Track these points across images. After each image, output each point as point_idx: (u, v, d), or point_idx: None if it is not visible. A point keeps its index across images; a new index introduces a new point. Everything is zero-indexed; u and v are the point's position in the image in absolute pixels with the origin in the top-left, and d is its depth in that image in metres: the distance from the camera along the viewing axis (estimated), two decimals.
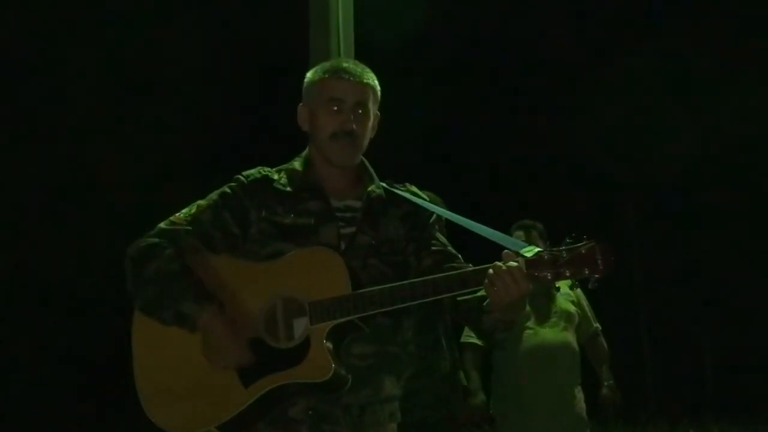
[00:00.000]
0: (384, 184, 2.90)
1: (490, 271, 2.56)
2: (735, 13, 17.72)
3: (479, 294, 2.69)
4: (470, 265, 2.74)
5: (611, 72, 17.46)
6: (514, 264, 2.55)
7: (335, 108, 2.79)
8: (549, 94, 18.26)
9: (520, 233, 5.50)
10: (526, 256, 2.57)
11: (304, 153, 2.92)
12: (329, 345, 2.63)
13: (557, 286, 2.66)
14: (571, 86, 17.96)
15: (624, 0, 18.19)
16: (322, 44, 5.12)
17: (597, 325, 5.74)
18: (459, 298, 2.73)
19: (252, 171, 2.87)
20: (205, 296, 2.68)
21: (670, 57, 18.00)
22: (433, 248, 2.85)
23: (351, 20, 5.20)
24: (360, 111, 2.80)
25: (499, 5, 17.83)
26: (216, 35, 17.06)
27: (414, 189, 2.94)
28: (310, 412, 2.70)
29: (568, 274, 2.57)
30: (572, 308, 5.60)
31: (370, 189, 2.86)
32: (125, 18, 16.61)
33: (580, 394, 5.57)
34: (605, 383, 5.67)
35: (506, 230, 5.42)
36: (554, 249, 2.59)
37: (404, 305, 2.65)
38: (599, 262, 2.55)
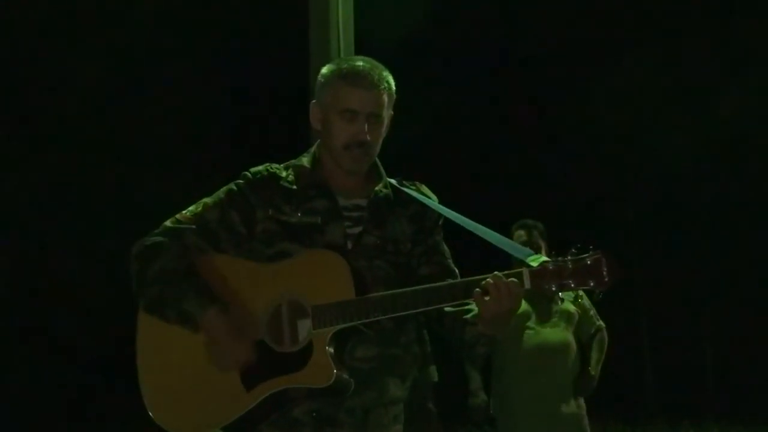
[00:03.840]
0: (393, 182, 2.88)
1: (489, 280, 2.54)
2: (735, 14, 17.73)
3: (466, 307, 2.69)
4: None
5: (612, 72, 17.46)
6: (515, 280, 2.53)
7: (349, 118, 2.76)
8: (549, 94, 18.26)
9: (522, 232, 5.50)
10: (531, 266, 2.55)
11: (313, 149, 2.89)
12: (332, 350, 2.62)
13: (561, 297, 2.66)
14: (571, 87, 17.96)
15: (626, 2, 18.19)
16: (322, 44, 5.12)
17: (600, 323, 5.73)
18: (446, 309, 2.72)
19: (259, 168, 2.84)
20: (209, 296, 2.66)
21: (671, 58, 18.01)
22: (434, 258, 2.83)
23: (351, 20, 5.20)
24: (374, 121, 2.77)
25: (500, 5, 17.83)
26: (216, 35, 17.06)
27: (425, 190, 2.90)
28: (313, 414, 2.68)
29: (572, 285, 2.54)
30: (572, 308, 5.60)
31: (377, 188, 2.83)
32: (125, 17, 16.61)
33: None
34: (590, 368, 5.60)
35: (506, 230, 5.42)
36: (559, 259, 2.56)
37: (407, 312, 2.63)
38: (605, 274, 2.52)
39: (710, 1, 17.90)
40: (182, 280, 2.67)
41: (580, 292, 5.60)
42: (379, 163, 2.89)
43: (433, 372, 5.75)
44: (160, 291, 2.68)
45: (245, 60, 17.23)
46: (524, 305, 5.48)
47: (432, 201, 2.87)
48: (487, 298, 2.53)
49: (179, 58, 16.57)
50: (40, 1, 16.17)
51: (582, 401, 5.58)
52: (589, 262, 2.53)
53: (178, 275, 2.68)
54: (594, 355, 5.69)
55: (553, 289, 2.54)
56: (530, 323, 5.49)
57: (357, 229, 2.77)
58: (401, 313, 2.63)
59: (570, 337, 5.54)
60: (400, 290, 2.64)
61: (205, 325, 2.65)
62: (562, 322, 5.53)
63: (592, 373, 5.60)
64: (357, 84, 2.76)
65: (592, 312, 5.72)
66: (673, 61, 17.96)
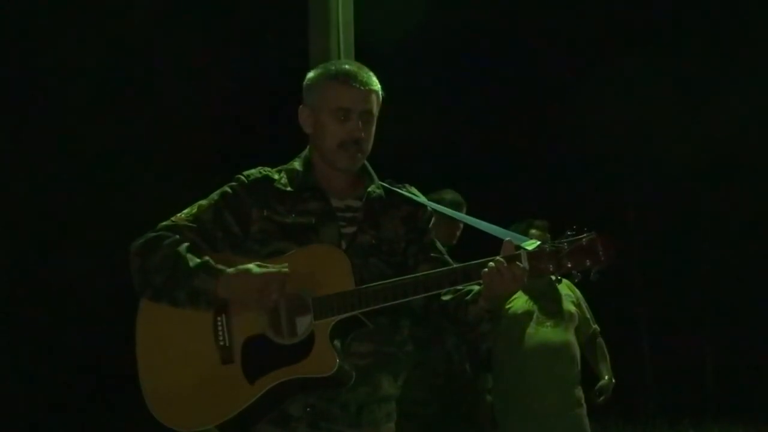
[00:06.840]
0: (384, 184, 2.91)
1: (492, 264, 2.59)
2: (734, 14, 17.75)
3: (465, 290, 2.73)
4: None
5: (612, 71, 17.46)
6: (517, 263, 2.59)
7: (342, 117, 2.79)
8: (550, 93, 18.26)
9: (537, 232, 5.50)
10: (527, 249, 2.60)
11: (304, 153, 2.92)
12: (337, 342, 2.65)
13: (559, 278, 2.69)
14: (572, 85, 17.97)
15: (626, 2, 18.20)
16: (322, 44, 5.13)
17: (596, 326, 5.76)
18: (444, 297, 2.76)
19: (252, 171, 2.88)
20: (218, 267, 2.68)
21: (671, 57, 18.02)
22: (431, 255, 2.87)
23: (351, 20, 5.20)
24: (366, 119, 2.81)
25: (500, 5, 17.83)
26: (216, 35, 17.06)
27: (414, 190, 2.94)
28: (308, 409, 2.71)
29: (569, 266, 2.59)
30: (573, 309, 5.61)
31: (370, 189, 2.87)
32: (126, 17, 16.62)
33: (580, 394, 5.57)
34: (606, 376, 5.66)
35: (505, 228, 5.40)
36: (556, 242, 2.62)
37: (407, 299, 2.66)
38: (601, 253, 2.58)
39: (711, 1, 17.91)
40: (186, 260, 2.69)
41: (579, 293, 5.67)
42: (368, 165, 2.93)
43: (469, 371, 5.71)
44: (166, 276, 2.69)
45: (244, 60, 17.23)
46: (526, 305, 5.50)
47: (422, 200, 2.91)
48: (492, 277, 2.58)
49: (177, 60, 16.58)
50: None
51: (582, 401, 5.58)
52: (584, 243, 2.59)
53: (182, 257, 2.70)
54: (603, 365, 5.70)
55: (551, 269, 2.59)
56: (532, 323, 5.49)
57: (351, 229, 2.81)
58: (402, 300, 2.65)
59: (571, 338, 5.55)
60: (399, 278, 2.68)
61: (225, 287, 2.65)
62: (564, 322, 5.53)
63: (612, 381, 5.64)
64: (348, 83, 2.80)
65: (589, 315, 5.74)
66: (675, 60, 17.96)
